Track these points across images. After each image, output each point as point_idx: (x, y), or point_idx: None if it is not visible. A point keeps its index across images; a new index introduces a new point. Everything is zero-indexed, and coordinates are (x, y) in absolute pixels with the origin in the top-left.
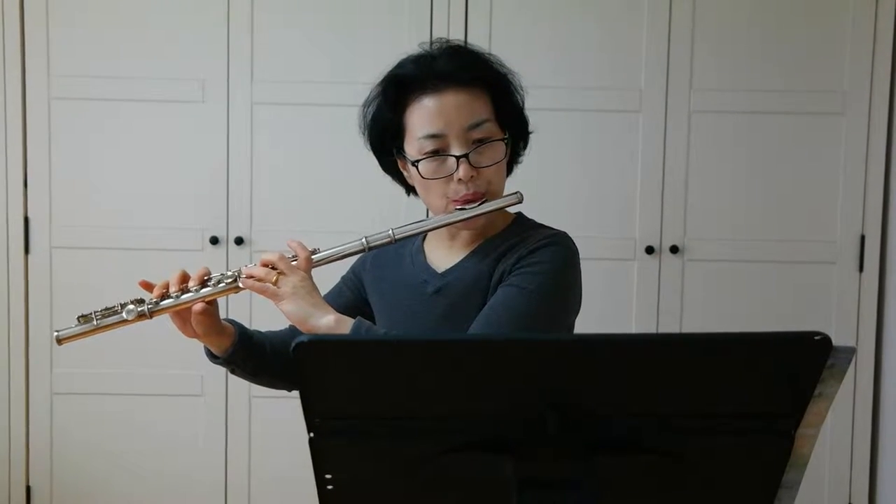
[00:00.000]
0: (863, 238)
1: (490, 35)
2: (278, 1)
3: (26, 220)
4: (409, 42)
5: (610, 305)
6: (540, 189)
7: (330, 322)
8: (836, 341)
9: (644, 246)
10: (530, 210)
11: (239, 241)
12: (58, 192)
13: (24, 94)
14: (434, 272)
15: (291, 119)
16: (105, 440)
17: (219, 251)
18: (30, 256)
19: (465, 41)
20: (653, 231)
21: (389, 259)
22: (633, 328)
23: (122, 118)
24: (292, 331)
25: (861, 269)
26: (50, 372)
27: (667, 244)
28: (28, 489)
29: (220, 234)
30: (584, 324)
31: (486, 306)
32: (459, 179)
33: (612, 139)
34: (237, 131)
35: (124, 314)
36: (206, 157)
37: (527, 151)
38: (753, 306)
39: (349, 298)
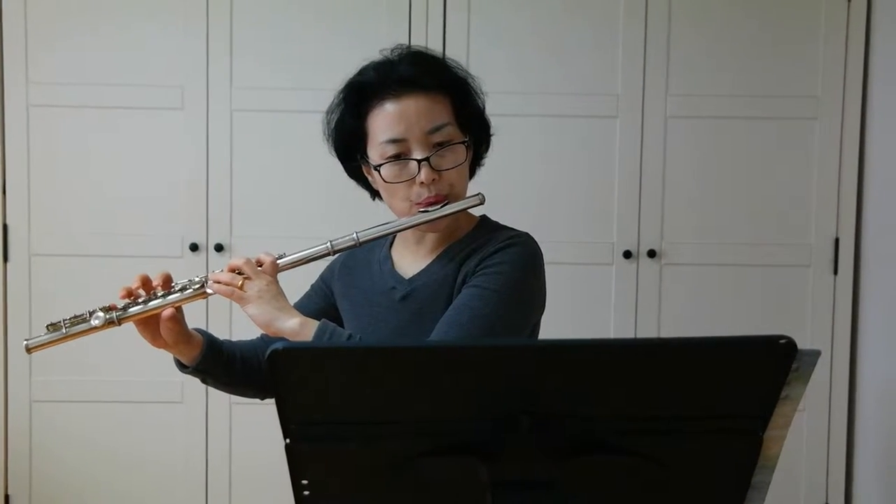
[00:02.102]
0: (837, 241)
1: (468, 43)
2: (257, 8)
3: (5, 227)
4: (386, 48)
5: (588, 310)
6: (518, 194)
7: (294, 325)
8: (811, 344)
9: (622, 250)
10: (508, 215)
11: (219, 247)
12: (36, 199)
13: (2, 101)
14: (401, 278)
15: (271, 126)
16: (84, 448)
17: (199, 258)
18: (8, 264)
19: (444, 51)
20: (630, 236)
21: (358, 266)
22: (611, 332)
23: (100, 125)
24: (263, 340)
25: (835, 271)
26: (29, 380)
27: (644, 249)
28: (7, 497)
29: (200, 240)
30: (562, 328)
31: (451, 307)
32: (421, 183)
33: (589, 144)
34: (216, 138)
35: (93, 321)
36: (186, 163)
37: (489, 154)
38: (730, 309)
39: (319, 305)
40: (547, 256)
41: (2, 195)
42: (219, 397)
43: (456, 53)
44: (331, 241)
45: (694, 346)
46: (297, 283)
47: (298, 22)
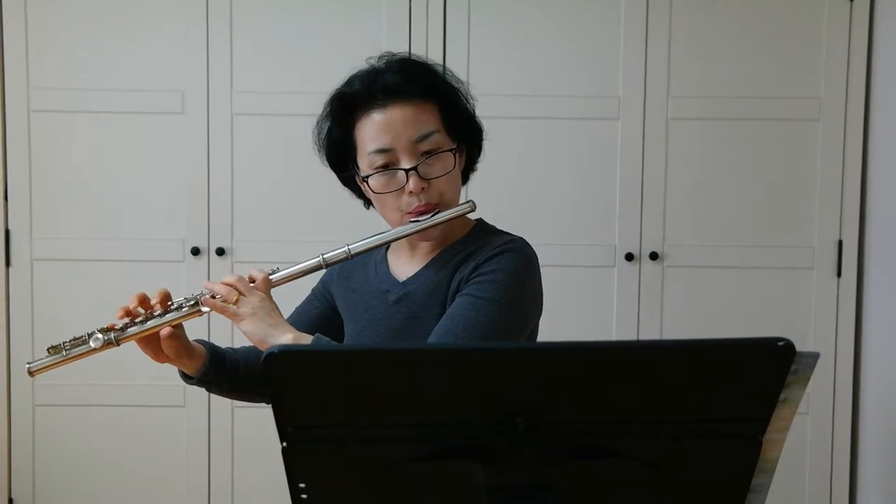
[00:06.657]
0: (840, 243)
1: (468, 47)
2: (258, 12)
3: (7, 232)
4: (373, 56)
5: (590, 312)
6: (519, 197)
7: (288, 341)
8: (814, 346)
9: (624, 253)
10: (509, 217)
11: (220, 251)
12: (38, 204)
13: (3, 107)
14: (396, 281)
15: (271, 130)
16: (87, 452)
17: (200, 262)
18: (11, 269)
19: (444, 55)
20: (632, 238)
21: (356, 269)
22: (613, 335)
23: (102, 130)
24: None
25: (839, 274)
26: (32, 384)
27: (646, 251)
28: (10, 501)
29: (202, 244)
30: (564, 330)
31: (445, 316)
32: (410, 192)
33: (591, 147)
34: (217, 142)
35: (91, 343)
36: (187, 168)
37: (490, 157)
38: (732, 312)
39: (319, 309)
40: (548, 259)
41: (4, 200)
42: (221, 401)
43: (456, 57)
44: (323, 255)
45: (692, 348)
46: (291, 294)
47: (298, 26)
